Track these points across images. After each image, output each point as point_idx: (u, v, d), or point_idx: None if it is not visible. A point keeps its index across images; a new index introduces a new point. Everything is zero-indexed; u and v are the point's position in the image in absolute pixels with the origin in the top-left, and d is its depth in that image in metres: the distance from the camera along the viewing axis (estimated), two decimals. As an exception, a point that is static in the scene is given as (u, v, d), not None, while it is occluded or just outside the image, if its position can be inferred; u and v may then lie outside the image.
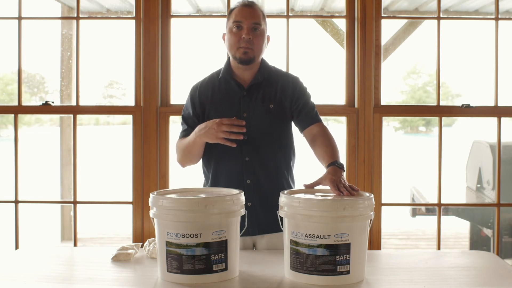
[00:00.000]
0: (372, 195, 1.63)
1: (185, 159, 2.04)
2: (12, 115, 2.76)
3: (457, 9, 4.35)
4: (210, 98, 2.03)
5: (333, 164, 1.83)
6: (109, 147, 19.56)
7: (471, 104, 2.71)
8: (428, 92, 24.72)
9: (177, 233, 1.55)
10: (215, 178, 2.02)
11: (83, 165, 6.65)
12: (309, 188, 1.78)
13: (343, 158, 2.56)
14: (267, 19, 2.04)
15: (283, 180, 2.02)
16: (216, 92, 2.04)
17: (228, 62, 2.06)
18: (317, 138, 1.98)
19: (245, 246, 2.02)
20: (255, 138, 1.97)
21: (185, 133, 2.06)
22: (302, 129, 2.06)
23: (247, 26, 1.94)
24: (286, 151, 2.05)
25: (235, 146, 1.88)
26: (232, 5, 2.05)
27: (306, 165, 2.32)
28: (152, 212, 1.62)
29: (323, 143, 1.95)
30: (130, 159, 2.71)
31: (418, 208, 4.83)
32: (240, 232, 1.67)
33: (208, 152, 2.00)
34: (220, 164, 1.98)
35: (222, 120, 1.85)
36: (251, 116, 1.98)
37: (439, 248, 2.80)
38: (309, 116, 2.04)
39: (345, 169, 1.88)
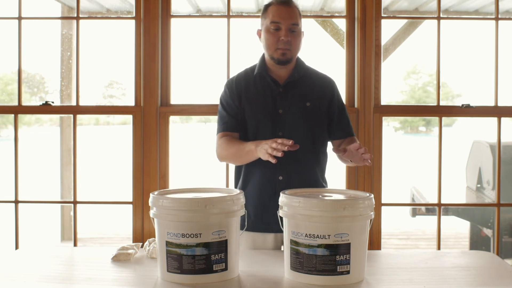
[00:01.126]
0: (372, 195, 1.63)
1: (231, 161, 2.06)
2: (12, 115, 2.76)
3: (457, 9, 4.34)
4: (245, 93, 2.02)
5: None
6: (109, 147, 19.55)
7: (471, 104, 2.71)
8: (428, 92, 24.69)
9: (177, 233, 1.55)
10: (247, 173, 2.02)
11: (83, 165, 6.65)
12: (337, 151, 1.85)
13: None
14: None
15: (315, 178, 2.02)
16: (251, 88, 2.03)
17: (263, 59, 2.04)
18: (343, 142, 2.07)
19: (277, 245, 2.02)
20: (289, 135, 1.95)
21: (225, 125, 2.03)
22: (335, 138, 2.09)
23: (286, 27, 1.91)
24: (320, 150, 2.05)
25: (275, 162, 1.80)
26: (267, 0, 2.02)
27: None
28: (152, 212, 1.62)
29: (348, 142, 2.04)
30: (130, 159, 2.71)
31: (418, 208, 4.83)
32: (240, 232, 1.67)
33: None
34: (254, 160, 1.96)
35: (277, 140, 1.76)
36: (286, 113, 1.98)
37: (439, 248, 2.80)
38: (347, 128, 2.08)
39: None
